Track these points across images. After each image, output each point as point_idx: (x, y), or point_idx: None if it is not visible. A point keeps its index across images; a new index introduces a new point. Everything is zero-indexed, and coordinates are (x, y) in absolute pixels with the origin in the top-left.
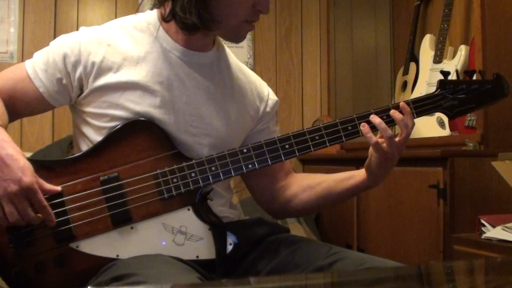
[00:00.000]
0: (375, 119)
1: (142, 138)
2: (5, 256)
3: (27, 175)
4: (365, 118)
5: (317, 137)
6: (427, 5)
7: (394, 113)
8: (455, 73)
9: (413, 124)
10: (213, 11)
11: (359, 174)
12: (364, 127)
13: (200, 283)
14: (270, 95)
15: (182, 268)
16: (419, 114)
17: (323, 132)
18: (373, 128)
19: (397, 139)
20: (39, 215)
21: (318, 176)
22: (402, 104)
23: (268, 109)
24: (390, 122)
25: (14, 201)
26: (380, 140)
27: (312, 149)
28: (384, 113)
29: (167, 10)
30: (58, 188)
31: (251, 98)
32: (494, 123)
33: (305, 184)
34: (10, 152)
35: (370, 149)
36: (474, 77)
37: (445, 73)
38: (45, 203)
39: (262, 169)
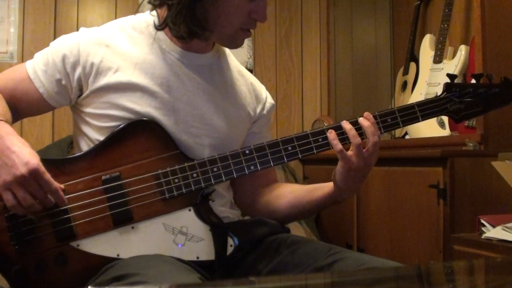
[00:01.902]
0: (346, 125)
1: (144, 138)
2: (6, 254)
3: (34, 159)
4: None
5: (320, 139)
6: (427, 5)
7: (362, 120)
8: (461, 77)
9: (379, 134)
10: (207, 21)
11: (328, 186)
12: (330, 134)
13: (201, 283)
14: (268, 98)
15: (183, 268)
16: (424, 117)
17: (326, 134)
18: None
19: (364, 149)
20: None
21: (292, 186)
22: (366, 113)
23: (265, 111)
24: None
25: (25, 185)
26: (349, 152)
27: (315, 151)
28: (355, 125)
29: (161, 17)
30: (61, 186)
31: (249, 99)
32: (494, 123)
33: (278, 192)
34: (16, 142)
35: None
36: (481, 81)
37: (452, 76)
38: (55, 184)
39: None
